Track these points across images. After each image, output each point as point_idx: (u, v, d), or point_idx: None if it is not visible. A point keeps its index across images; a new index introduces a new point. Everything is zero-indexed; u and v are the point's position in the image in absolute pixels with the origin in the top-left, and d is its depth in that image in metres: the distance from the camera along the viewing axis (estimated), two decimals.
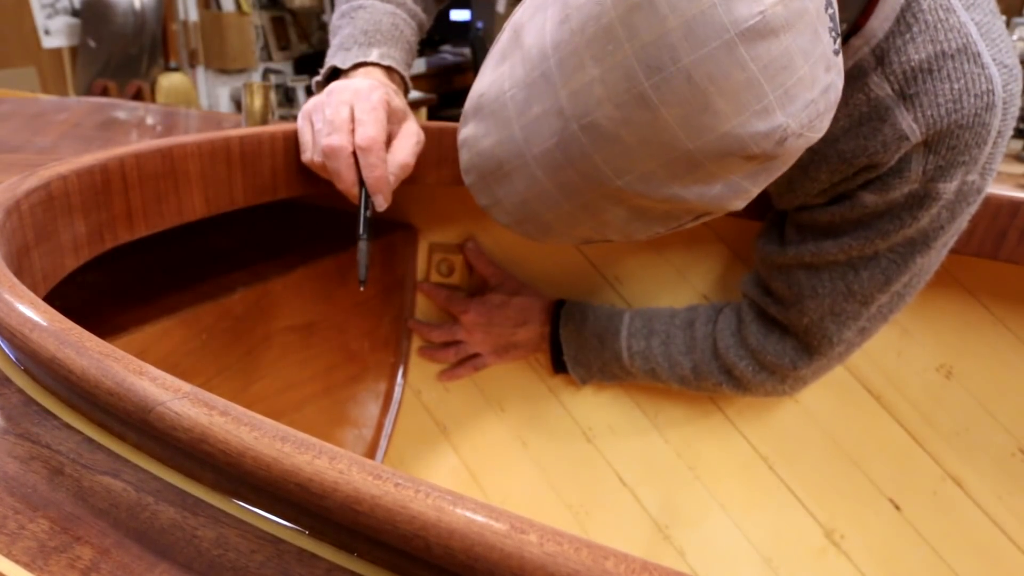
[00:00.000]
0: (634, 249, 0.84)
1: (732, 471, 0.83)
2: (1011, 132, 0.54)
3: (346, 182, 0.60)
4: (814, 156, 0.57)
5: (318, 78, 0.67)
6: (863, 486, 0.78)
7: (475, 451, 0.92)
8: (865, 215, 0.57)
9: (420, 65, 3.16)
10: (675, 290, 0.83)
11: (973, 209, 0.57)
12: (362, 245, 0.62)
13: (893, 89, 0.51)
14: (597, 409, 0.88)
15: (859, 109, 0.53)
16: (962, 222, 0.58)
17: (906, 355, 0.75)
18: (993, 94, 0.50)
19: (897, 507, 0.77)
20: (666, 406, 0.85)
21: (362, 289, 0.62)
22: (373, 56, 0.64)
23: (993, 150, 0.54)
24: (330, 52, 0.67)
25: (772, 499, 0.81)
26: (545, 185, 0.45)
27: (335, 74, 0.66)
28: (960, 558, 0.74)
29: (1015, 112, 0.53)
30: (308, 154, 0.63)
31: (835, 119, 0.54)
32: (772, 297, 0.67)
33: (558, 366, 0.83)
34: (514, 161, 0.46)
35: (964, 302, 0.72)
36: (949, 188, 0.53)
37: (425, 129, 0.69)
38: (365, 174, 0.59)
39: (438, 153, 0.77)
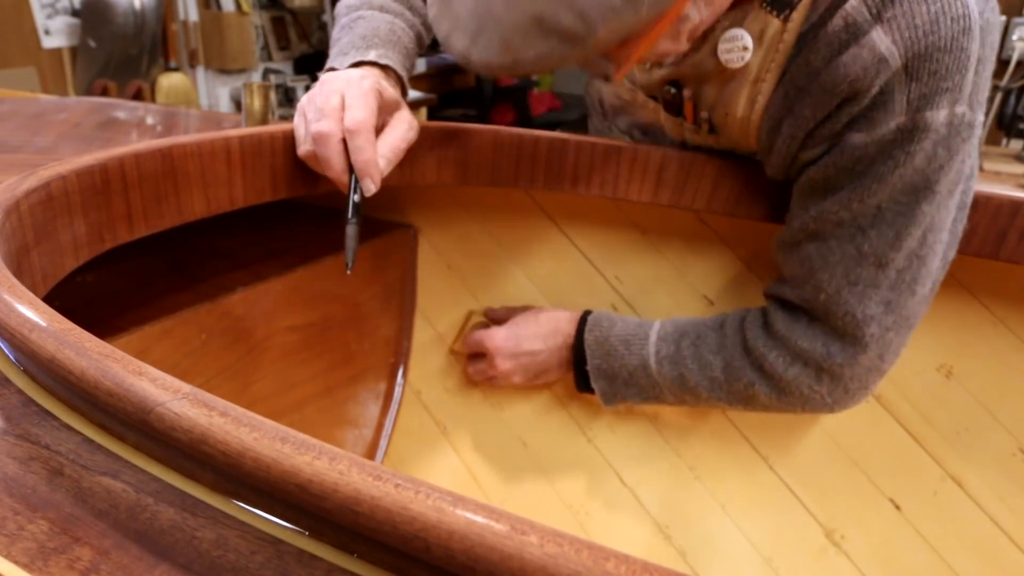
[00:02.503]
0: (634, 249, 0.84)
1: (732, 471, 0.83)
2: (992, 64, 0.54)
3: (335, 169, 0.60)
4: (799, 92, 0.57)
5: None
6: (863, 486, 0.78)
7: (475, 451, 0.92)
8: (858, 161, 0.56)
9: (420, 65, 3.17)
10: (675, 290, 0.83)
11: (971, 149, 0.56)
12: (350, 229, 0.61)
13: (871, 13, 0.52)
14: (597, 409, 0.88)
15: (839, 37, 0.54)
16: (961, 163, 0.56)
17: (906, 355, 0.75)
18: (969, 19, 0.51)
19: (897, 507, 0.77)
20: (666, 406, 0.85)
21: (349, 273, 0.61)
22: (371, 56, 0.65)
23: (977, 79, 0.53)
24: (329, 61, 0.68)
25: (772, 499, 0.81)
26: None
27: None
28: (960, 558, 0.74)
29: (994, 42, 0.53)
30: (301, 146, 0.63)
31: (816, 50, 0.55)
32: (789, 284, 0.65)
33: (581, 381, 0.77)
34: None
35: (964, 302, 0.72)
36: (938, 119, 0.53)
37: (425, 129, 0.69)
38: (353, 157, 0.59)
39: (438, 153, 0.77)
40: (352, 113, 0.58)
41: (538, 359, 0.79)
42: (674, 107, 0.69)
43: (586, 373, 0.75)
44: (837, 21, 0.53)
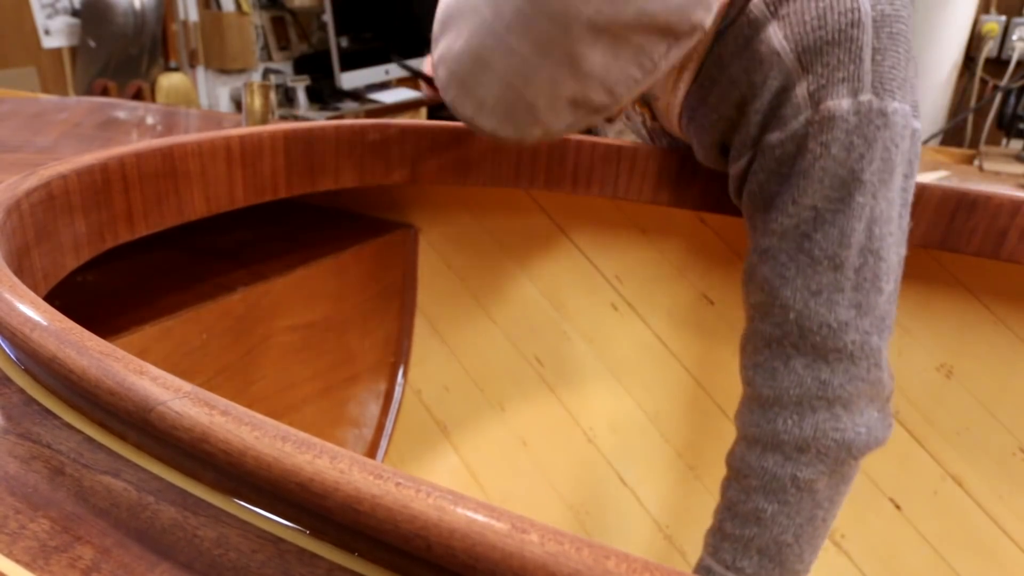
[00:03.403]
0: (634, 248, 0.84)
1: None
2: (903, 53, 0.55)
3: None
4: (712, 83, 0.60)
5: None
6: (863, 486, 0.78)
7: (475, 451, 0.92)
8: (781, 162, 0.58)
9: (421, 65, 3.17)
10: (675, 289, 0.83)
11: (896, 138, 0.56)
12: None
13: (769, 11, 0.56)
14: (597, 409, 0.88)
15: (743, 33, 0.57)
16: (887, 152, 0.56)
17: (906, 355, 0.75)
18: (859, 11, 0.53)
19: (897, 507, 0.77)
20: (666, 406, 0.85)
21: None
22: None
23: (878, 68, 0.55)
24: None
25: None
26: (522, 52, 0.48)
27: None
28: (960, 558, 0.74)
29: (898, 33, 0.55)
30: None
31: (726, 45, 0.59)
32: (758, 317, 0.63)
33: None
34: (489, 42, 0.49)
35: (964, 302, 0.72)
36: (842, 107, 0.54)
37: (425, 129, 0.69)
38: None
39: (438, 153, 0.77)
40: None
41: None
42: None
43: None
44: (742, 18, 0.57)
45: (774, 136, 0.57)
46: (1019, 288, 0.70)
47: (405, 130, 0.76)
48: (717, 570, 0.63)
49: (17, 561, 0.26)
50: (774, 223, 0.60)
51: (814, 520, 0.62)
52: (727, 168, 0.65)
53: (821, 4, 0.54)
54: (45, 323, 0.33)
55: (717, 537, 0.64)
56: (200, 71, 2.90)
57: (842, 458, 0.61)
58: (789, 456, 0.62)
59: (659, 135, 0.78)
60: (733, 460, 0.65)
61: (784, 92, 0.56)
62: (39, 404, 0.35)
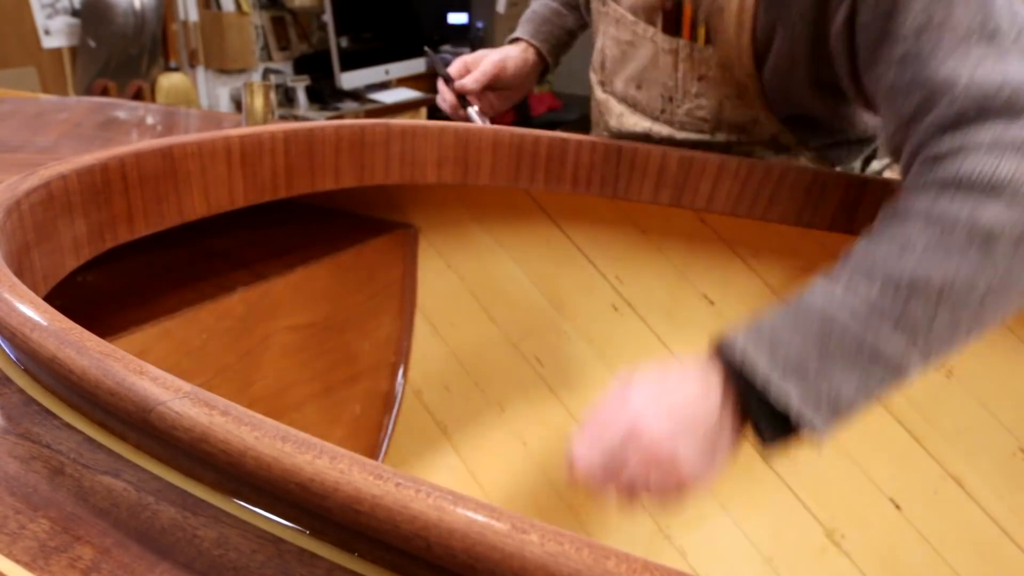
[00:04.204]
0: (634, 249, 0.84)
1: (732, 471, 0.83)
2: None
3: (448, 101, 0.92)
4: None
5: None
6: (863, 486, 0.78)
7: (475, 451, 0.92)
8: None
9: (420, 65, 3.17)
10: (675, 290, 0.83)
11: None
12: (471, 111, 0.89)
13: None
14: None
15: None
16: None
17: None
18: None
19: (897, 507, 0.76)
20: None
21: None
22: (518, 33, 0.94)
23: None
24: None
25: (772, 499, 0.81)
26: None
27: None
28: (960, 558, 0.74)
29: None
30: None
31: None
32: (921, 118, 0.52)
33: (762, 416, 0.51)
34: None
35: None
36: None
37: (425, 129, 0.69)
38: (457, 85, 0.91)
39: (438, 153, 0.77)
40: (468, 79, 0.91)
41: (693, 410, 0.53)
42: (672, 23, 0.70)
43: (759, 399, 0.50)
44: None
45: None
46: None
47: (405, 130, 0.76)
48: (820, 285, 0.49)
49: (17, 561, 0.26)
50: (903, 27, 0.53)
51: (972, 287, 0.45)
52: (804, 81, 0.63)
53: None
54: (45, 323, 0.33)
55: (844, 260, 0.50)
56: (200, 71, 2.90)
57: (1010, 179, 0.46)
58: (970, 195, 0.47)
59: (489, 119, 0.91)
60: (875, 222, 0.52)
61: None
62: (39, 404, 0.35)
